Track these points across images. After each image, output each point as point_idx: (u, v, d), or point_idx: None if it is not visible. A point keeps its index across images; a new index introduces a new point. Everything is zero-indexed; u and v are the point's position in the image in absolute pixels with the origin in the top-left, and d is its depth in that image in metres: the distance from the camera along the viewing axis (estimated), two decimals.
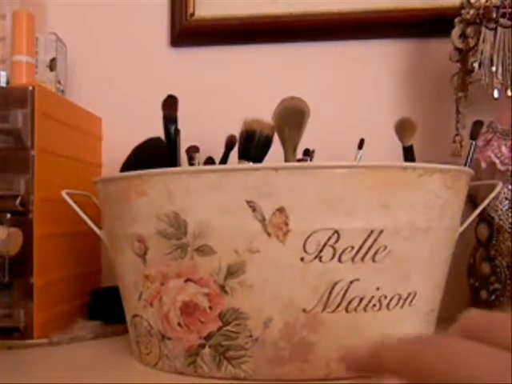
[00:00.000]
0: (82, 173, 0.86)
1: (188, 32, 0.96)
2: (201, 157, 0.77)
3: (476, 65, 0.75)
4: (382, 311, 0.56)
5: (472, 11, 0.76)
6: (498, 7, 0.74)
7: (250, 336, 0.55)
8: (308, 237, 0.53)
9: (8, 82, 0.77)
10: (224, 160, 0.76)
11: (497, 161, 0.72)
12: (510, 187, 0.70)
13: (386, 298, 0.56)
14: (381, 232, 0.54)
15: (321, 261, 0.54)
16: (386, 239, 0.55)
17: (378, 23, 0.92)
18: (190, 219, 0.55)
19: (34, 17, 0.79)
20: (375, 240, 0.54)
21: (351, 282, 0.54)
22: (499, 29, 0.74)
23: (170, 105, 0.67)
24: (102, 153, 0.97)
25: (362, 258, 0.54)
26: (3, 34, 0.83)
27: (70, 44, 0.94)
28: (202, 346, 0.56)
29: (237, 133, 0.67)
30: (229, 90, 0.96)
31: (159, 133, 0.70)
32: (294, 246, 0.53)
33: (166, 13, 0.98)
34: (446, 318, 0.67)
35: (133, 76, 0.98)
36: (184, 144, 0.73)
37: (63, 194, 0.67)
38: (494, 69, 0.73)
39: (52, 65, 0.88)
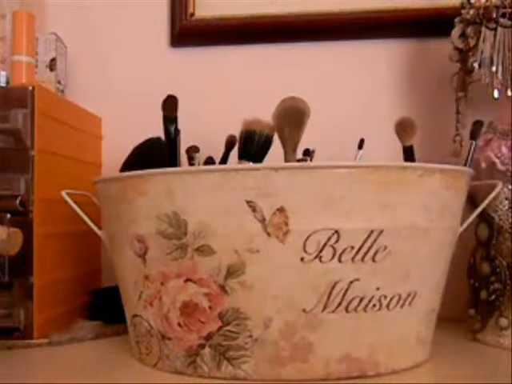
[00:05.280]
0: (82, 173, 0.86)
1: (188, 32, 0.96)
2: (201, 157, 0.77)
3: (476, 65, 0.75)
4: (382, 311, 0.56)
5: (472, 11, 0.76)
6: (498, 7, 0.74)
7: (250, 336, 0.55)
8: (308, 237, 0.53)
9: (8, 82, 0.77)
10: (224, 160, 0.76)
11: (497, 161, 0.72)
12: (510, 187, 0.70)
13: (385, 298, 0.56)
14: (381, 232, 0.54)
15: (321, 261, 0.54)
16: (386, 239, 0.55)
17: (378, 23, 0.92)
18: (190, 219, 0.55)
19: (33, 17, 0.80)
20: (375, 240, 0.54)
21: (351, 282, 0.54)
22: (499, 29, 0.74)
23: (169, 105, 0.67)
24: (102, 153, 0.97)
25: (362, 258, 0.54)
26: (3, 34, 0.83)
27: (70, 44, 0.94)
28: (202, 346, 0.56)
29: (237, 133, 0.67)
30: (229, 89, 0.96)
31: (159, 133, 0.70)
32: (293, 245, 0.53)
33: (165, 13, 0.98)
34: (446, 317, 0.68)
35: (133, 76, 0.98)
36: (184, 144, 0.73)
37: (63, 194, 0.67)
38: (494, 69, 0.73)
39: (52, 65, 0.88)
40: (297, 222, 0.53)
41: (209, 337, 0.56)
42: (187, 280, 0.56)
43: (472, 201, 0.69)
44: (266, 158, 0.65)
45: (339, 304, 0.54)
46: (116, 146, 0.92)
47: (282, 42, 0.95)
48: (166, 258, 0.57)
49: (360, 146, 0.79)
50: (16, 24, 0.78)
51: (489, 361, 0.64)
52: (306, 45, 0.95)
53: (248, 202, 0.53)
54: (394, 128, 0.70)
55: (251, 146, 0.64)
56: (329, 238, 0.53)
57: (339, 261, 0.54)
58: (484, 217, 0.71)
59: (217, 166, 0.72)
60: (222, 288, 0.55)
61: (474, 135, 0.71)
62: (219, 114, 0.94)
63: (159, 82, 0.95)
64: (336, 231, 0.53)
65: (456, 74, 0.80)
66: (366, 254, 0.54)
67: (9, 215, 0.70)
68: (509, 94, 0.74)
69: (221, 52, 0.97)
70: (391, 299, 0.56)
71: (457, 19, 0.78)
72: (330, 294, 0.54)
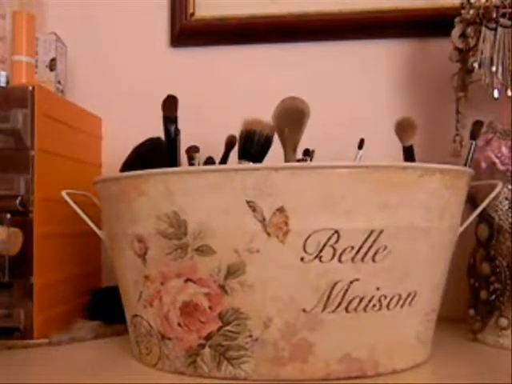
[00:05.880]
0: (82, 173, 0.86)
1: (188, 32, 0.96)
2: (201, 157, 0.77)
3: (476, 65, 0.75)
4: (382, 311, 0.56)
5: (472, 11, 0.76)
6: (498, 7, 0.74)
7: (250, 336, 0.55)
8: (308, 237, 0.53)
9: (8, 82, 0.77)
10: (224, 160, 0.76)
11: (497, 161, 0.72)
12: (510, 187, 0.70)
13: (385, 297, 0.56)
14: (381, 232, 0.54)
15: (321, 261, 0.54)
16: (386, 239, 0.55)
17: (378, 23, 0.92)
18: (190, 219, 0.55)
19: (33, 17, 0.80)
20: (375, 240, 0.54)
21: (351, 282, 0.54)
22: (499, 29, 0.74)
23: (169, 105, 0.67)
24: (102, 153, 0.97)
25: (362, 258, 0.54)
26: (3, 34, 0.83)
27: (70, 44, 0.94)
28: (202, 346, 0.56)
29: (237, 133, 0.67)
30: (229, 89, 0.96)
31: (159, 133, 0.70)
32: (294, 246, 0.53)
33: (166, 13, 0.98)
34: (446, 317, 0.68)
35: (133, 76, 0.98)
36: (184, 144, 0.73)
37: (63, 194, 0.67)
38: (494, 69, 0.73)
39: (52, 65, 0.88)
40: (297, 222, 0.53)
41: (209, 337, 0.56)
42: (187, 280, 0.56)
43: (472, 201, 0.69)
44: (266, 158, 0.65)
45: (339, 304, 0.54)
46: (116, 146, 0.92)
47: (281, 42, 0.95)
48: (166, 257, 0.57)
49: (360, 146, 0.79)
50: (16, 24, 0.78)
51: (489, 361, 0.64)
52: (306, 45, 0.95)
53: (248, 202, 0.53)
54: (394, 128, 0.70)
55: (251, 146, 0.64)
56: (329, 238, 0.53)
57: (339, 261, 0.54)
58: (484, 217, 0.71)
59: (217, 166, 0.72)
60: (222, 288, 0.55)
61: (474, 135, 0.71)
62: (219, 114, 0.94)
63: (159, 82, 0.95)
64: (336, 231, 0.53)
65: (456, 74, 0.80)
66: (366, 254, 0.54)
67: (9, 215, 0.70)
68: (509, 93, 0.73)
69: (221, 52, 0.97)
70: (391, 299, 0.56)
71: (457, 19, 0.78)
72: (330, 293, 0.54)
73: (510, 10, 0.74)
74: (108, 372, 0.60)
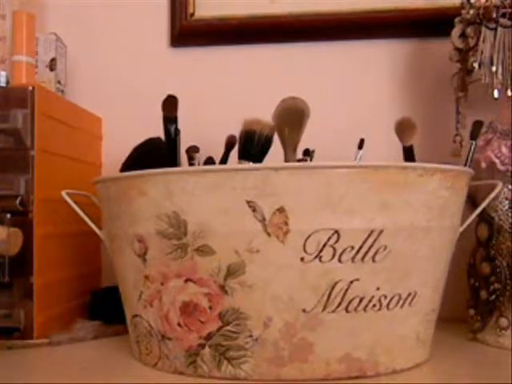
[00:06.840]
0: (82, 173, 0.86)
1: (188, 32, 0.96)
2: (201, 157, 0.77)
3: (476, 65, 0.75)
4: (382, 311, 0.56)
5: (472, 11, 0.76)
6: (498, 7, 0.74)
7: (250, 336, 0.55)
8: (308, 237, 0.53)
9: (8, 82, 0.77)
10: (224, 160, 0.76)
11: (497, 161, 0.72)
12: (510, 187, 0.70)
13: (385, 297, 0.56)
14: (381, 232, 0.54)
15: (321, 261, 0.54)
16: (386, 239, 0.55)
17: (378, 23, 0.92)
18: (190, 219, 0.55)
19: (34, 17, 0.80)
20: (375, 240, 0.54)
21: (351, 282, 0.54)
22: (499, 29, 0.74)
23: (169, 105, 0.67)
24: (102, 153, 0.97)
25: (362, 258, 0.54)
26: (3, 34, 0.83)
27: (70, 44, 0.94)
28: (202, 346, 0.56)
29: (237, 133, 0.67)
30: (229, 89, 0.96)
31: (159, 133, 0.70)
32: (294, 245, 0.53)
33: (166, 13, 0.98)
34: (446, 318, 0.68)
35: (133, 76, 0.98)
36: (184, 144, 0.73)
37: (63, 194, 0.67)
38: (494, 69, 0.73)
39: (52, 65, 0.88)
40: (297, 221, 0.53)
41: (209, 337, 0.56)
42: (187, 280, 0.56)
43: (472, 201, 0.69)
44: (266, 158, 0.65)
45: (339, 304, 0.54)
46: (116, 146, 0.92)
47: (282, 42, 0.95)
48: (166, 257, 0.57)
49: (360, 146, 0.79)
50: (16, 24, 0.78)
51: (489, 361, 0.64)
52: (306, 45, 0.95)
53: (248, 202, 0.53)
54: (394, 128, 0.70)
55: (251, 145, 0.64)
56: (329, 238, 0.53)
57: (339, 261, 0.54)
58: (484, 217, 0.71)
59: (217, 166, 0.72)
60: (222, 288, 0.55)
61: (473, 135, 0.71)
62: (219, 114, 0.94)
63: (159, 82, 0.95)
64: (336, 231, 0.53)
65: (456, 74, 0.80)
66: (366, 254, 0.54)
67: (9, 215, 0.70)
68: (509, 94, 0.73)
69: (221, 52, 0.97)
70: (391, 299, 0.56)
71: (457, 19, 0.78)
72: (330, 294, 0.54)
73: (510, 10, 0.74)
74: (108, 372, 0.60)
